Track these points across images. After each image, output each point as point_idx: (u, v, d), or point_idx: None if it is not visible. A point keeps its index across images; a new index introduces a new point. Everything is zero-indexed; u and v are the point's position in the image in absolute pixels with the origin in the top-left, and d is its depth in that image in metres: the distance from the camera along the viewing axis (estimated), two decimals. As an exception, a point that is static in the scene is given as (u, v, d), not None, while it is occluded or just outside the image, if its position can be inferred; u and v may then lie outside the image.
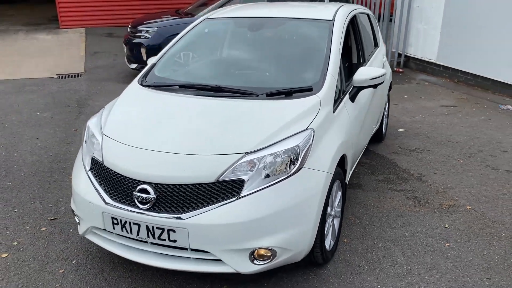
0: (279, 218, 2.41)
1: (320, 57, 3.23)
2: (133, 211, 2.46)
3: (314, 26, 3.55)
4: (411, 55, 8.90)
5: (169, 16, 8.04)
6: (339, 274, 2.87)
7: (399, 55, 9.02)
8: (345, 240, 3.23)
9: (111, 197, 2.56)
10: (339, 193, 3.02)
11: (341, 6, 3.93)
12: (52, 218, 3.57)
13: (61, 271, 2.93)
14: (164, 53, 3.64)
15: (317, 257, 2.78)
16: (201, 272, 2.50)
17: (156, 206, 2.44)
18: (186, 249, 2.46)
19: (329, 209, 2.78)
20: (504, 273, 2.87)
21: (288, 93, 2.95)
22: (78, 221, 2.86)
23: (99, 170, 2.68)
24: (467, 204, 3.73)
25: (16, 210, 3.71)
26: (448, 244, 3.17)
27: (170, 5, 13.23)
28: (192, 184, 2.41)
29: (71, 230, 3.41)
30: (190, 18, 7.71)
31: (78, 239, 3.28)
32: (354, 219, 3.51)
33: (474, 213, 3.60)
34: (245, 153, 2.47)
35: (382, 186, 4.07)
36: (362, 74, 3.26)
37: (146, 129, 2.76)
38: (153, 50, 7.42)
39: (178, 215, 2.38)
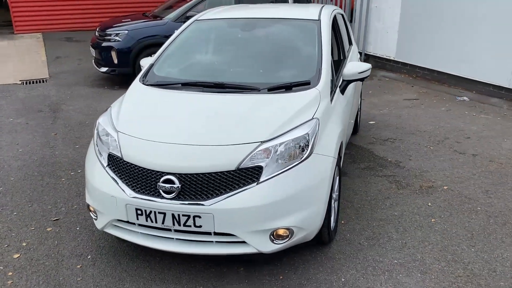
0: (295, 199, 2.63)
1: (313, 53, 3.49)
2: (158, 201, 2.60)
3: (303, 25, 3.81)
4: (371, 53, 9.39)
5: (138, 19, 8.07)
6: (343, 251, 3.13)
7: (360, 53, 9.47)
8: (342, 222, 3.50)
9: (133, 190, 2.68)
10: (337, 178, 3.29)
11: (323, 7, 4.21)
12: (55, 219, 3.62)
13: (78, 267, 3.01)
14: (161, 54, 3.78)
15: (324, 236, 3.03)
16: (224, 254, 2.68)
17: (181, 195, 2.60)
18: (209, 233, 2.64)
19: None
20: (485, 240, 3.23)
21: (288, 87, 3.19)
22: (95, 217, 2.96)
23: (118, 165, 2.79)
24: (444, 184, 4.11)
25: (15, 213, 3.72)
26: (434, 220, 3.51)
27: (127, 10, 13.16)
28: (215, 172, 2.59)
29: (78, 228, 3.47)
30: (159, 20, 7.79)
31: (88, 237, 3.36)
32: (346, 203, 3.79)
33: (451, 192, 3.97)
34: (261, 142, 2.68)
35: (365, 173, 4.39)
36: (351, 69, 3.55)
37: (161, 124, 2.91)
38: (124, 53, 7.47)
39: (203, 202, 2.55)
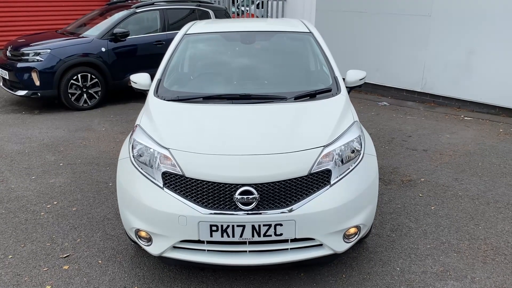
0: (361, 198, 2.77)
1: (322, 62, 3.69)
2: (237, 214, 2.53)
3: (299, 37, 3.98)
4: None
5: (54, 37, 7.42)
6: (380, 244, 3.34)
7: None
8: (360, 219, 3.72)
9: (204, 206, 2.57)
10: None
11: (301, 20, 4.44)
12: (65, 255, 3.23)
13: (131, 300, 2.76)
14: (164, 69, 3.60)
15: (369, 231, 3.20)
16: (300, 260, 2.69)
17: (259, 205, 2.56)
18: (286, 241, 2.64)
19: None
20: (484, 218, 3.72)
21: (312, 95, 3.33)
22: (147, 243, 2.74)
23: (179, 183, 2.63)
24: (420, 177, 4.60)
25: (11, 256, 3.22)
26: (433, 207, 3.93)
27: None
28: (290, 179, 2.61)
29: (100, 261, 3.15)
30: (84, 38, 7.29)
31: (118, 268, 3.07)
32: (351, 202, 4.02)
33: (428, 183, 4.46)
34: (324, 146, 2.77)
35: (348, 174, 4.69)
36: (353, 76, 3.81)
37: (215, 137, 2.81)
38: (47, 74, 6.82)
39: (286, 209, 2.56)
